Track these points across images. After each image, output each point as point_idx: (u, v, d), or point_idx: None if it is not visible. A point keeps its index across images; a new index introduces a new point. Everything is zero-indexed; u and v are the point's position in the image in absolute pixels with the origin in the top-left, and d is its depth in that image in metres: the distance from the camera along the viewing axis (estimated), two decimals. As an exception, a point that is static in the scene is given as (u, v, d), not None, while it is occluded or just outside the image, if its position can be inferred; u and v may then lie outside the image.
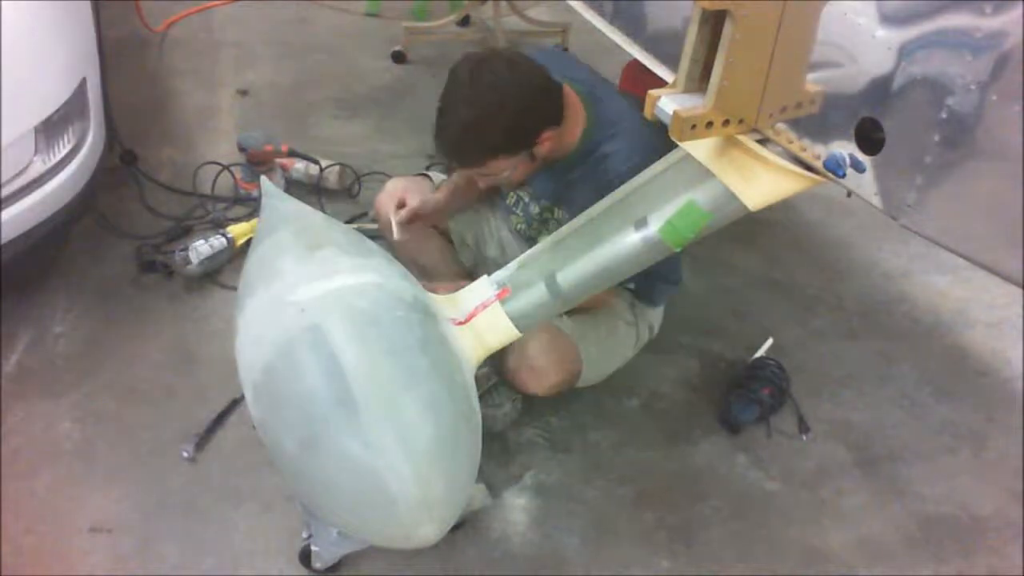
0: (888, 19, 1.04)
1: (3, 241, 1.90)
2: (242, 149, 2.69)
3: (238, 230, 2.47)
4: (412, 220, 1.94)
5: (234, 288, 2.34)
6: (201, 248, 2.32)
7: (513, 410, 1.96)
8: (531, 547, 1.78)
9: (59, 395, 1.98)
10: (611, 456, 2.00)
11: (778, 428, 2.11)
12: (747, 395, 2.09)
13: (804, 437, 2.11)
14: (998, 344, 2.51)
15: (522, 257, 1.60)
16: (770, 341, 2.29)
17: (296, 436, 1.29)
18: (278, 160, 2.74)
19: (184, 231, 2.52)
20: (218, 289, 2.36)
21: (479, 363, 1.65)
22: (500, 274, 1.63)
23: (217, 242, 2.37)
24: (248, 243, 2.49)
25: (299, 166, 2.79)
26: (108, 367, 2.07)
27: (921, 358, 2.42)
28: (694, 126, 1.08)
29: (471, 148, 1.66)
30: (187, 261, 2.31)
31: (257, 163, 2.70)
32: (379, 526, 1.33)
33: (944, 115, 0.97)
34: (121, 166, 2.71)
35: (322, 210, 2.68)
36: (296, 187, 2.81)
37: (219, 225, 2.52)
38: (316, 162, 2.77)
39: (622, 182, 1.47)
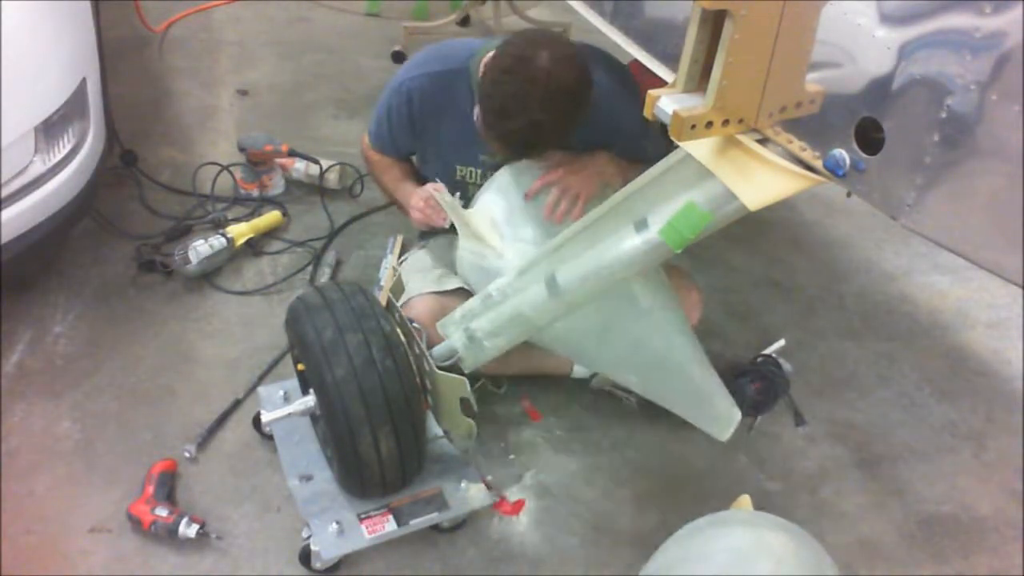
0: (888, 19, 1.04)
1: (3, 241, 1.90)
2: (242, 149, 2.69)
3: (237, 230, 2.47)
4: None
5: (230, 291, 2.34)
6: (200, 248, 2.32)
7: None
8: (531, 547, 1.78)
9: (59, 395, 1.98)
10: (611, 456, 2.00)
11: (778, 424, 2.11)
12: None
13: (801, 429, 2.11)
14: (998, 344, 2.52)
15: (522, 263, 1.61)
16: (781, 342, 2.27)
17: None
18: (278, 160, 2.75)
19: (183, 231, 2.52)
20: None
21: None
22: (500, 282, 1.63)
23: (217, 242, 2.37)
24: (248, 243, 2.49)
25: (299, 166, 2.79)
26: (108, 367, 2.07)
27: (921, 358, 2.43)
28: (694, 126, 1.08)
29: (539, 144, 1.68)
30: (186, 261, 2.31)
31: (257, 163, 2.70)
32: None
33: (944, 115, 0.97)
34: (121, 166, 2.71)
35: (324, 210, 2.69)
36: (296, 187, 2.81)
37: (219, 225, 2.52)
38: (316, 162, 2.77)
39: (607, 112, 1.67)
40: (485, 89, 1.64)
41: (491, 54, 1.70)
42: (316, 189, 2.77)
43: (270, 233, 2.58)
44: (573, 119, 1.64)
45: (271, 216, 2.60)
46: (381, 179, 2.11)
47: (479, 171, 1.94)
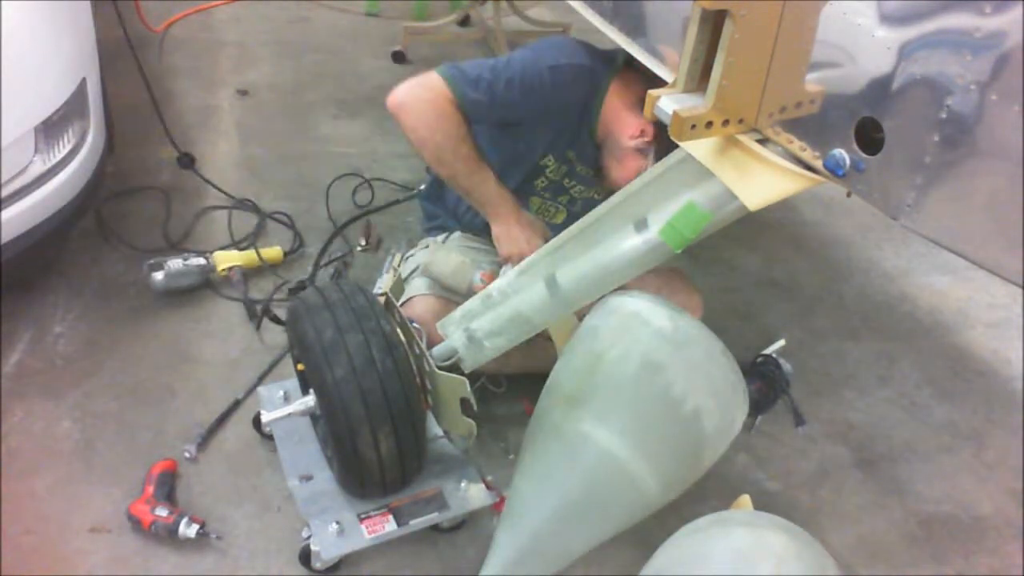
0: (888, 19, 1.04)
1: (3, 241, 1.90)
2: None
3: (223, 256, 2.38)
4: None
5: (230, 297, 2.34)
6: (173, 264, 2.26)
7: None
8: (531, 547, 1.77)
9: (59, 395, 1.98)
10: (611, 456, 2.00)
11: (778, 424, 2.11)
12: None
13: (800, 429, 2.11)
14: (998, 344, 2.52)
15: (521, 264, 1.61)
16: (782, 342, 2.28)
17: None
18: None
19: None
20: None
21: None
22: (500, 282, 1.63)
23: (194, 262, 2.29)
24: (231, 270, 2.34)
25: None
26: (108, 367, 2.07)
27: (921, 358, 2.43)
28: (694, 126, 1.08)
29: None
30: (155, 268, 2.24)
31: None
32: None
33: (944, 115, 0.97)
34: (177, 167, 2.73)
35: (325, 209, 2.69)
36: (296, 186, 2.81)
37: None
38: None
39: None
40: None
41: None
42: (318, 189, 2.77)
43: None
44: None
45: (271, 251, 2.47)
46: (456, 160, 1.76)
47: (560, 165, 1.93)
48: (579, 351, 1.60)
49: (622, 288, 1.61)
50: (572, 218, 1.97)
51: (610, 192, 1.85)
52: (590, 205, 1.95)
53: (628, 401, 1.51)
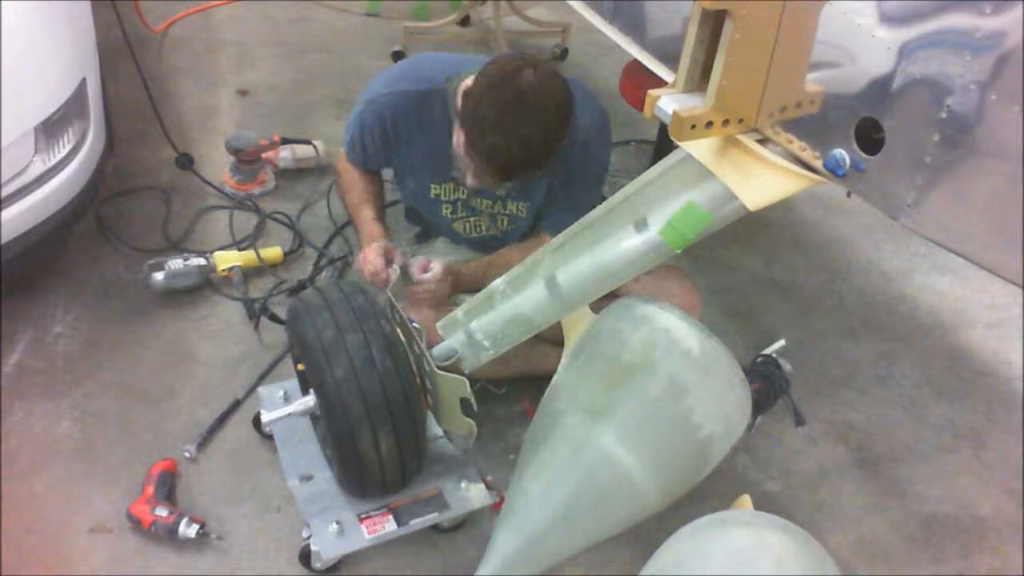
0: (888, 19, 1.04)
1: (3, 241, 1.90)
2: (237, 150, 2.68)
3: (223, 257, 2.37)
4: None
5: (230, 296, 2.34)
6: (174, 264, 2.26)
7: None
8: (531, 547, 1.77)
9: (59, 395, 1.98)
10: (611, 456, 2.00)
11: (778, 424, 2.11)
12: None
13: (800, 429, 2.11)
14: (998, 344, 2.52)
15: (521, 264, 1.61)
16: (782, 342, 2.28)
17: None
18: (265, 156, 2.75)
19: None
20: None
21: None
22: (499, 282, 1.63)
23: (194, 262, 2.29)
24: (231, 271, 2.35)
25: (285, 155, 2.82)
26: (108, 367, 2.07)
27: (921, 358, 2.43)
28: (694, 126, 1.08)
29: (527, 166, 1.63)
30: (155, 268, 2.25)
31: (250, 161, 2.70)
32: None
33: (944, 115, 0.97)
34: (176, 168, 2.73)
35: (327, 209, 2.69)
36: (287, 178, 2.83)
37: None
38: (309, 142, 2.83)
39: (592, 146, 1.73)
40: (469, 108, 1.61)
41: (471, 78, 1.67)
42: (320, 191, 2.77)
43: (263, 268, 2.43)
44: (557, 138, 1.62)
45: (271, 251, 2.45)
46: (344, 197, 2.09)
47: (452, 186, 1.93)
48: (601, 357, 1.60)
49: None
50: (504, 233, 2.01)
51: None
52: (515, 220, 1.98)
53: (650, 422, 1.54)
